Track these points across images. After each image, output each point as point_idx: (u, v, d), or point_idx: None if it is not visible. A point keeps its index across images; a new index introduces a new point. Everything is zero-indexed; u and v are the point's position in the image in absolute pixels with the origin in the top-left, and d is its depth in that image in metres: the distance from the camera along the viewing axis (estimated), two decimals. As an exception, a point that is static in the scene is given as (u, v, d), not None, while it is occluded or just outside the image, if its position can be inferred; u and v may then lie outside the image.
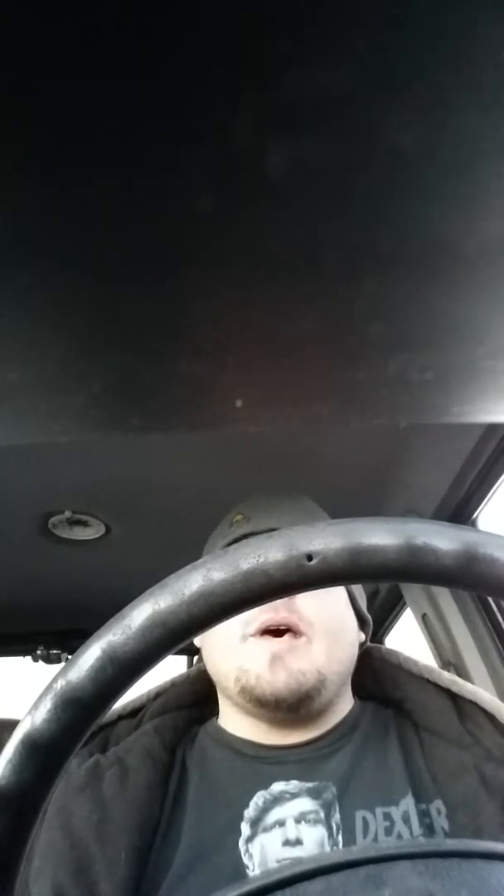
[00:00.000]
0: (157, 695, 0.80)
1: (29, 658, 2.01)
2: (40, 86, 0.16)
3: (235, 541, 0.79)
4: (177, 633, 0.26)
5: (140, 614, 0.26)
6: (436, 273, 0.23)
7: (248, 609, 0.27)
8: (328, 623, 0.72)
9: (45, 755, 0.25)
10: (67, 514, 1.38)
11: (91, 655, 0.26)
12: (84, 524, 1.43)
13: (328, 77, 0.16)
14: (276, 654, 0.68)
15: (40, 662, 1.98)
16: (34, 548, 1.52)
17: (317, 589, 0.27)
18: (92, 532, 1.46)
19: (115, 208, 0.20)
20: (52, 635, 1.97)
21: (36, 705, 0.26)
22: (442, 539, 0.26)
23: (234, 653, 0.70)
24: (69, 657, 0.28)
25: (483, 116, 0.17)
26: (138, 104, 0.17)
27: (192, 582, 0.27)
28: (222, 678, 0.72)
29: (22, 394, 0.30)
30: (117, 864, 0.58)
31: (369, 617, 0.80)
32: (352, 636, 0.76)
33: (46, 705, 0.26)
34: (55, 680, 0.26)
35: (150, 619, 0.26)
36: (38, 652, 1.97)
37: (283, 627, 0.69)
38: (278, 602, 0.67)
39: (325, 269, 0.23)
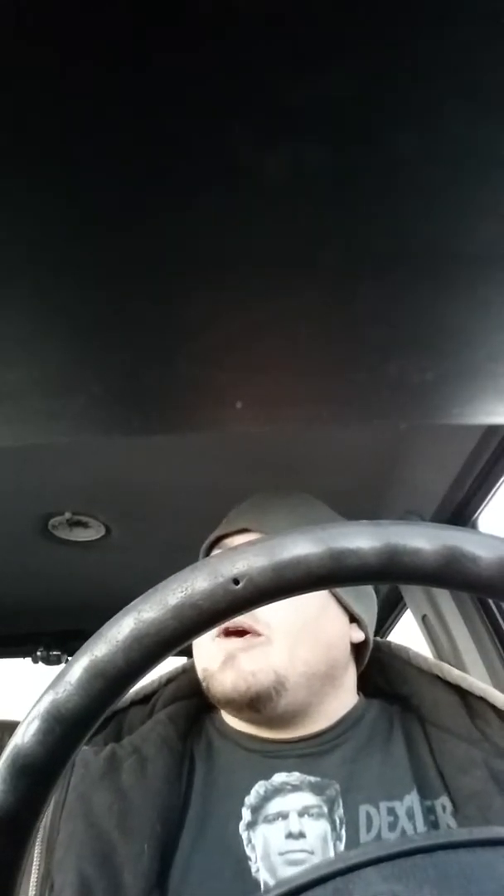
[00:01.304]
0: (169, 680, 0.81)
1: (29, 659, 2.01)
2: (42, 90, 0.16)
3: (212, 544, 0.80)
4: (118, 681, 0.26)
5: (79, 668, 0.26)
6: (435, 276, 0.23)
7: (188, 643, 0.27)
8: (290, 624, 0.71)
9: (33, 778, 0.25)
10: (67, 515, 1.38)
11: (36, 717, 0.26)
12: (84, 525, 1.43)
13: (327, 83, 0.16)
14: (230, 653, 0.69)
15: (40, 664, 1.98)
16: (34, 549, 1.52)
17: (252, 610, 0.27)
18: (92, 533, 1.46)
19: (116, 211, 0.20)
20: (52, 636, 1.96)
21: (24, 728, 0.26)
22: (363, 539, 0.27)
23: (202, 653, 0.72)
24: (69, 658, 0.28)
25: (481, 122, 0.17)
26: (139, 109, 0.17)
27: (125, 627, 0.26)
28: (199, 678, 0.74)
29: (23, 395, 0.30)
30: (142, 855, 0.59)
31: (361, 614, 0.78)
32: (328, 635, 0.74)
33: (2, 773, 0.25)
34: (8, 747, 0.26)
35: (88, 671, 0.26)
36: (39, 653, 1.97)
37: (240, 629, 0.70)
38: None
39: (325, 273, 0.23)
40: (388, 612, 1.68)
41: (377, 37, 0.15)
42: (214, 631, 0.69)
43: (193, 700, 0.78)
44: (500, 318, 0.26)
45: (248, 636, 0.69)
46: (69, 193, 0.20)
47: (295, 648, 0.70)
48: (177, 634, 0.26)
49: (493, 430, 1.02)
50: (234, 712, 0.70)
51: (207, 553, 0.82)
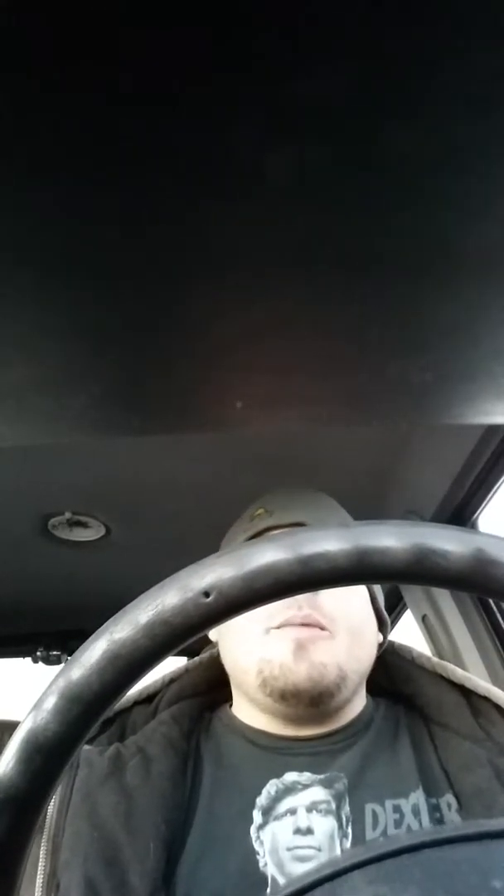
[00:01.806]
0: (172, 680, 0.80)
1: (29, 659, 2.01)
2: (43, 93, 0.16)
3: (258, 533, 0.79)
4: (94, 706, 0.26)
5: (54, 691, 0.26)
6: (435, 277, 0.23)
7: (162, 660, 0.27)
8: (350, 620, 0.72)
9: (80, 710, 0.25)
10: (67, 515, 1.38)
11: (15, 746, 0.26)
12: (84, 525, 1.43)
13: (328, 84, 0.16)
14: (301, 642, 0.68)
15: (40, 664, 1.98)
16: (34, 549, 1.52)
17: (222, 623, 0.27)
18: (92, 533, 1.46)
19: (117, 212, 0.20)
20: (52, 636, 1.96)
21: (76, 658, 0.26)
22: (331, 542, 0.27)
23: (257, 645, 0.70)
24: (69, 658, 0.28)
25: (481, 123, 0.17)
26: (140, 109, 0.17)
27: (97, 649, 0.26)
28: (240, 672, 0.72)
29: (23, 395, 0.30)
30: (147, 856, 0.58)
31: (388, 618, 0.81)
32: (371, 636, 0.76)
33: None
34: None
35: (64, 695, 0.26)
36: (38, 653, 1.97)
37: (306, 622, 0.69)
38: (301, 598, 0.68)
39: (325, 273, 0.23)
40: (388, 613, 1.68)
41: (377, 37, 0.15)
42: (270, 623, 0.69)
43: (197, 699, 0.78)
44: (499, 319, 0.26)
45: (314, 628, 0.69)
46: (70, 194, 0.20)
47: (352, 645, 0.71)
48: (150, 653, 0.26)
49: (492, 430, 1.02)
50: (290, 706, 0.68)
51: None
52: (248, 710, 0.74)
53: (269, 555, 0.26)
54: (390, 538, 0.26)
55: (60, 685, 0.26)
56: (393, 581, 0.27)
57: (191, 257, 0.22)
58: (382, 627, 0.80)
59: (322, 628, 0.69)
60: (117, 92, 0.17)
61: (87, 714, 0.26)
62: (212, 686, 0.80)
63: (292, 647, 0.68)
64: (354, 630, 0.72)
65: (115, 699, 0.27)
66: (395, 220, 0.21)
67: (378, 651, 0.78)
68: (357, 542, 0.26)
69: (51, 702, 0.26)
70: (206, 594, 0.26)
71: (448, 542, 0.26)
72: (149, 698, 0.79)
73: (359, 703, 0.75)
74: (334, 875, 0.26)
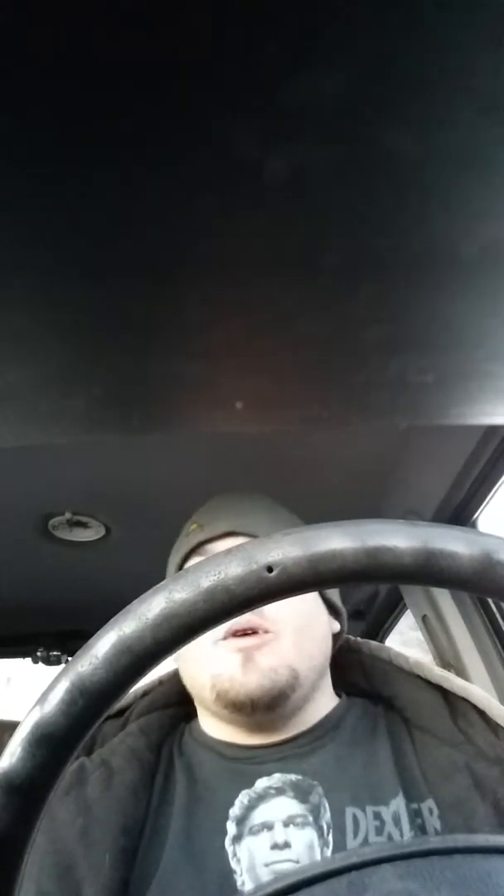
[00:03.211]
0: (145, 693, 0.80)
1: (29, 660, 2.01)
2: (44, 90, 0.16)
3: (192, 550, 0.79)
4: (144, 659, 0.26)
5: (106, 642, 0.26)
6: (434, 277, 0.23)
7: (215, 627, 0.27)
8: (295, 617, 0.71)
9: (53, 748, 0.26)
10: (67, 515, 1.38)
11: (59, 688, 0.26)
12: (84, 525, 1.43)
13: (328, 85, 0.16)
14: (246, 651, 0.68)
15: (40, 664, 1.98)
16: (34, 549, 1.52)
17: (281, 600, 0.27)
18: (92, 533, 1.46)
19: (116, 211, 0.20)
20: (52, 637, 1.96)
21: (46, 697, 0.26)
22: (400, 538, 0.27)
23: (206, 659, 0.70)
24: (69, 659, 0.28)
25: (480, 124, 0.17)
26: (142, 110, 0.17)
27: (155, 605, 0.26)
28: (198, 687, 0.72)
29: (23, 395, 0.30)
30: (102, 866, 0.58)
31: (342, 606, 0.79)
32: (321, 628, 0.75)
33: (19, 741, 0.26)
34: (29, 716, 0.26)
35: (115, 646, 0.26)
36: (39, 653, 1.97)
37: (249, 630, 0.69)
38: None
39: (325, 273, 0.23)
40: (388, 613, 1.68)
41: (377, 37, 0.15)
42: (213, 636, 0.68)
43: (168, 711, 0.78)
44: (499, 320, 0.26)
45: (258, 634, 0.69)
46: (69, 193, 0.20)
47: (301, 642, 0.70)
48: (206, 617, 0.26)
49: (492, 430, 1.02)
50: (246, 715, 0.68)
51: (183, 562, 0.80)
52: (212, 723, 0.74)
53: (337, 541, 0.27)
54: (459, 543, 0.26)
55: (112, 636, 0.26)
56: (455, 588, 0.28)
57: (191, 258, 0.22)
58: (336, 616, 0.78)
59: (266, 631, 0.69)
60: (117, 92, 0.17)
61: (136, 666, 0.26)
62: (186, 698, 0.79)
63: (240, 659, 0.67)
64: (301, 626, 0.71)
65: (164, 657, 0.27)
66: (396, 220, 0.21)
67: (336, 641, 0.78)
68: (426, 542, 0.26)
69: (101, 649, 0.26)
70: (270, 569, 0.26)
71: None
72: (120, 712, 0.78)
73: (324, 704, 0.74)
74: (363, 864, 0.27)
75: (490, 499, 1.16)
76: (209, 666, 0.69)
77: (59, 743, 0.25)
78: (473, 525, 1.22)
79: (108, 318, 0.26)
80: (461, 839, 0.28)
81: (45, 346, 0.27)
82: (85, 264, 0.23)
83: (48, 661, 1.96)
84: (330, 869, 0.27)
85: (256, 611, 0.67)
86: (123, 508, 1.37)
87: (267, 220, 0.21)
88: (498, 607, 1.25)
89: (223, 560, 0.27)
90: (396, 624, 1.71)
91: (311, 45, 0.15)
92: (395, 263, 0.23)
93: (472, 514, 1.20)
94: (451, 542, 0.26)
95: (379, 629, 1.73)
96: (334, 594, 0.79)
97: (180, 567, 0.80)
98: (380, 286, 0.24)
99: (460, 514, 1.20)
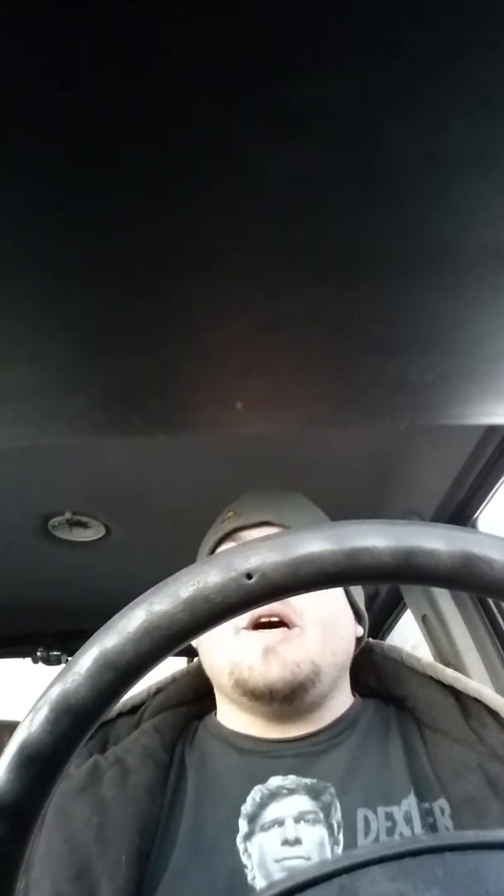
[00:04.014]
0: (158, 691, 0.80)
1: (29, 660, 2.01)
2: (44, 93, 0.16)
3: (226, 536, 0.79)
4: (127, 674, 0.26)
5: (88, 659, 0.26)
6: (435, 277, 0.23)
7: (197, 636, 0.27)
8: (320, 614, 0.72)
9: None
10: (67, 515, 1.38)
11: (44, 706, 0.26)
12: (84, 525, 1.43)
13: (328, 86, 0.16)
14: (269, 646, 0.68)
15: (40, 664, 1.97)
16: (34, 549, 1.52)
17: (262, 606, 0.27)
18: (92, 533, 1.46)
19: (117, 211, 0.20)
20: (52, 637, 1.96)
21: (31, 717, 0.26)
22: (378, 538, 0.26)
23: (227, 647, 0.70)
24: (69, 659, 0.28)
25: (481, 123, 0.17)
26: (142, 112, 0.17)
27: (136, 619, 0.26)
28: (216, 673, 0.72)
29: (23, 396, 0.30)
30: (119, 867, 0.58)
31: (365, 611, 0.80)
32: (347, 629, 0.76)
33: (6, 763, 0.25)
34: (15, 736, 0.26)
35: (97, 662, 0.26)
36: (38, 653, 1.97)
37: (274, 619, 0.69)
38: None
39: (326, 273, 0.23)
40: (388, 613, 1.68)
41: (377, 38, 0.15)
42: (235, 624, 0.69)
43: (182, 709, 0.78)
44: (499, 320, 0.26)
45: (280, 628, 0.69)
46: (69, 193, 0.20)
47: (325, 639, 0.71)
48: (188, 628, 0.26)
49: (492, 430, 1.02)
50: (265, 704, 0.69)
51: (215, 547, 0.81)
52: (230, 714, 0.74)
53: (316, 544, 0.26)
54: (439, 540, 0.26)
55: (94, 651, 0.26)
56: (436, 585, 0.28)
57: (191, 258, 0.22)
58: (360, 621, 0.79)
59: (291, 623, 0.69)
60: (119, 96, 0.17)
61: (119, 681, 0.26)
62: (199, 695, 0.80)
63: (260, 651, 0.68)
64: (327, 623, 0.72)
65: (147, 670, 0.27)
66: (396, 220, 0.21)
67: (358, 646, 0.78)
68: (405, 541, 0.26)
69: (84, 665, 0.26)
70: (249, 576, 0.26)
71: (496, 550, 0.26)
72: (133, 709, 0.79)
73: (342, 702, 0.75)
74: (353, 867, 0.27)
75: (490, 499, 1.16)
76: (230, 654, 0.70)
77: (45, 763, 0.25)
78: (474, 525, 1.22)
79: (108, 319, 0.26)
80: (452, 836, 0.28)
81: (45, 346, 0.27)
82: (85, 264, 0.23)
83: (48, 661, 1.96)
84: (321, 874, 0.27)
85: (283, 601, 0.68)
86: (123, 508, 1.37)
87: (267, 220, 0.21)
88: (498, 607, 1.25)
89: (201, 569, 0.27)
90: (396, 624, 1.71)
91: (311, 49, 0.15)
92: (395, 263, 0.23)
93: (472, 514, 1.20)
94: (430, 539, 0.26)
95: (379, 629, 1.73)
96: (359, 598, 0.80)
97: (212, 552, 0.81)
98: (380, 286, 0.24)
99: (460, 514, 1.20)
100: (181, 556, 0.55)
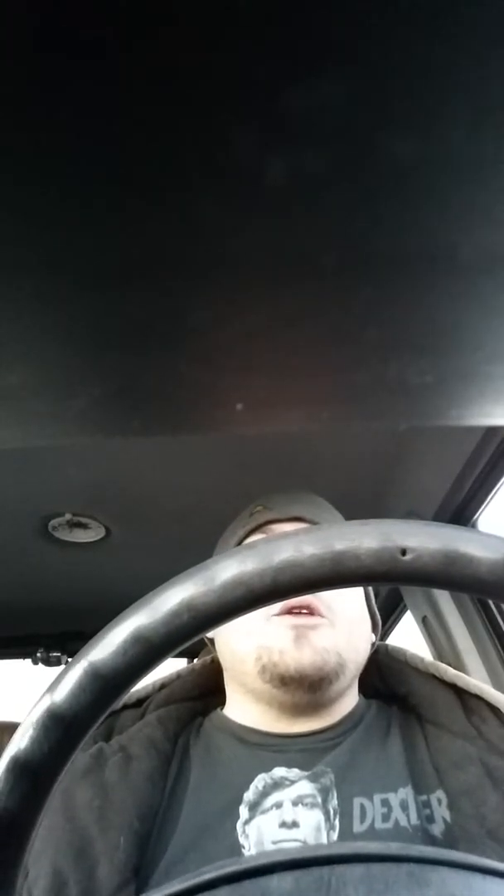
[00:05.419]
0: (163, 686, 0.81)
1: (29, 661, 2.01)
2: (43, 93, 0.16)
3: (258, 527, 0.80)
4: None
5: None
6: (434, 279, 0.23)
7: (333, 588, 0.27)
8: (348, 613, 0.74)
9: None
10: (67, 516, 1.38)
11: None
12: (84, 527, 1.43)
13: (326, 90, 0.16)
14: (301, 629, 0.69)
15: (40, 665, 1.98)
16: (34, 550, 1.52)
17: (402, 585, 0.27)
18: (92, 534, 1.46)
19: (117, 213, 0.20)
20: (52, 638, 1.97)
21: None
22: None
23: (256, 632, 0.71)
24: (69, 659, 0.28)
25: (479, 126, 0.17)
26: (141, 113, 0.17)
27: (283, 551, 0.26)
28: (238, 662, 0.73)
29: (23, 397, 0.30)
30: (116, 848, 0.59)
31: (380, 620, 0.82)
32: (366, 632, 0.78)
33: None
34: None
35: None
36: (39, 654, 1.97)
37: (304, 610, 0.70)
38: None
39: (325, 275, 0.23)
40: (388, 614, 1.68)
41: (375, 41, 0.15)
42: (267, 612, 0.69)
43: (186, 704, 0.79)
44: (498, 322, 0.26)
45: (314, 615, 0.70)
46: (69, 193, 0.20)
47: (351, 635, 0.73)
48: (330, 576, 0.26)
49: (492, 431, 1.02)
50: (289, 692, 0.69)
51: (243, 539, 0.81)
52: (241, 707, 0.74)
53: (476, 548, 0.26)
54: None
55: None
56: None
57: (191, 259, 0.22)
58: (375, 628, 0.81)
59: (321, 615, 0.71)
60: (119, 98, 0.17)
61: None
62: (204, 692, 0.81)
63: (292, 635, 0.69)
64: (353, 620, 0.74)
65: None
66: (395, 223, 0.21)
67: (370, 651, 0.79)
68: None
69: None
70: (404, 552, 0.26)
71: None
72: (138, 702, 0.80)
73: (351, 700, 0.76)
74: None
75: (490, 499, 1.16)
76: (259, 638, 0.70)
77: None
78: (474, 525, 1.22)
79: (108, 319, 0.26)
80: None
81: (45, 347, 0.27)
82: (86, 266, 0.23)
83: (48, 662, 1.96)
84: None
85: (315, 595, 0.69)
86: (123, 509, 1.38)
87: (267, 222, 0.21)
88: (498, 608, 1.25)
89: (360, 530, 0.27)
90: (397, 624, 1.71)
91: (309, 54, 0.15)
92: (394, 265, 0.23)
93: (473, 515, 1.20)
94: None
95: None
96: (375, 608, 0.82)
97: (239, 543, 0.81)
98: (379, 288, 0.24)
99: (460, 514, 1.20)
100: (181, 557, 0.55)
